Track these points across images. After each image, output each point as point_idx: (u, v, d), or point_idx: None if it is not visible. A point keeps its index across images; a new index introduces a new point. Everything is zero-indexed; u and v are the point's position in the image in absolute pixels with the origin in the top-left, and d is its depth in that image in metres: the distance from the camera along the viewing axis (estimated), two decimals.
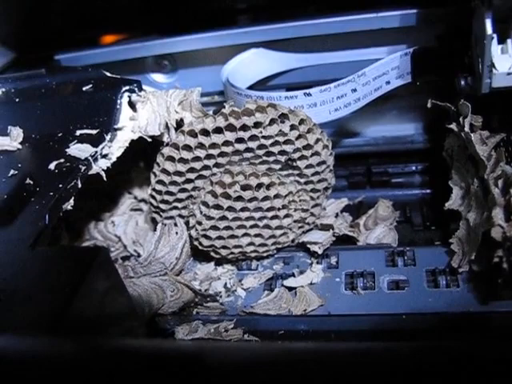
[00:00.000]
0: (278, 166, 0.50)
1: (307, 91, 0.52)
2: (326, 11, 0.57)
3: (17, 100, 0.55)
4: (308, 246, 0.53)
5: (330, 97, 0.53)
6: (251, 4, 0.64)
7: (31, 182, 0.43)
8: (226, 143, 0.48)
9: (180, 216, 0.53)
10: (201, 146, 0.48)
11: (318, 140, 0.49)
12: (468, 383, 0.22)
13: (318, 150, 0.50)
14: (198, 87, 0.52)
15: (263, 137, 0.47)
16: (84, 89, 0.54)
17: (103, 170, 0.47)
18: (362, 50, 0.59)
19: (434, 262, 0.49)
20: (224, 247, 0.52)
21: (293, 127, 0.48)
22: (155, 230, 0.52)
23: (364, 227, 0.56)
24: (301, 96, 0.52)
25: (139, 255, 0.56)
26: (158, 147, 0.51)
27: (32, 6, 0.60)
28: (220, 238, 0.51)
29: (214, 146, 0.48)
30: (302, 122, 0.48)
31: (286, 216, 0.52)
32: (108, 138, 0.48)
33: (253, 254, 0.53)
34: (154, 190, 0.51)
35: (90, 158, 0.46)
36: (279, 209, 0.51)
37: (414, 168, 0.64)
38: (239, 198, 0.49)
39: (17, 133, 0.50)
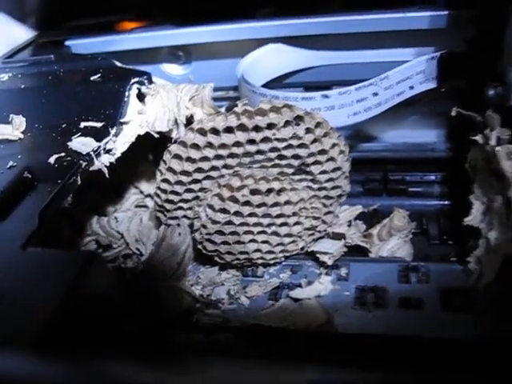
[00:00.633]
0: (290, 171, 0.47)
1: (325, 93, 0.50)
2: (352, 8, 0.54)
3: (22, 86, 0.53)
4: (317, 255, 0.51)
5: (349, 100, 0.50)
6: None
7: (29, 176, 0.41)
8: (237, 144, 0.45)
9: (185, 217, 0.50)
10: (210, 145, 0.45)
11: (334, 145, 0.47)
12: None
13: (333, 156, 0.47)
14: (210, 83, 0.50)
15: (276, 139, 0.45)
16: (92, 78, 0.52)
17: (106, 166, 0.45)
18: (386, 51, 0.56)
19: (449, 280, 0.46)
20: (229, 253, 0.49)
21: (308, 130, 0.45)
22: (159, 228, 0.50)
23: (378, 238, 0.53)
24: (318, 97, 0.50)
25: (141, 254, 0.54)
26: (166, 143, 0.49)
27: None
28: (225, 243, 0.49)
29: (223, 146, 0.45)
30: (318, 125, 0.45)
31: (296, 223, 0.49)
32: (113, 132, 0.46)
33: (259, 261, 0.51)
34: (158, 188, 0.49)
35: (92, 153, 0.44)
36: (289, 216, 0.48)
37: (433, 177, 0.61)
38: (247, 203, 0.47)
39: (19, 121, 0.47)
